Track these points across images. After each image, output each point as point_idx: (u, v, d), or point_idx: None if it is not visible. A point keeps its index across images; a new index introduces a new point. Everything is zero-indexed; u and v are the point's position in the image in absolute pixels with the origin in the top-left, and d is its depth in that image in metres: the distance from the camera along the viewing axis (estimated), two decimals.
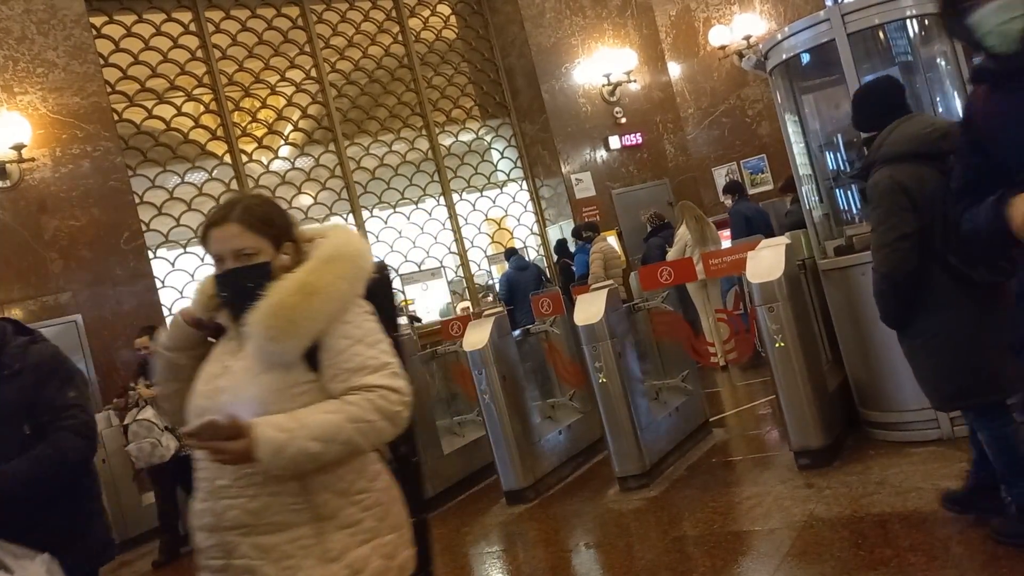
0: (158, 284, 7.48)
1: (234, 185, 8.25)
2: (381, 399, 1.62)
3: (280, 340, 1.63)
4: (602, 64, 10.02)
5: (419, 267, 9.20)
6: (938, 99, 4.55)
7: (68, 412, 2.35)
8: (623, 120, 10.13)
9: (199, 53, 8.29)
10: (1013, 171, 1.67)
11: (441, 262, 9.37)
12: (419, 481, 1.92)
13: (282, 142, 8.82)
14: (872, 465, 3.97)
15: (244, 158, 8.36)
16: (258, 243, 1.71)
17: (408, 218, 9.30)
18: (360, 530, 1.67)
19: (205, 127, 8.27)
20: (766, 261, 4.25)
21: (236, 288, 1.70)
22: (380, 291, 1.83)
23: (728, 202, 7.96)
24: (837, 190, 4.84)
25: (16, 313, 6.59)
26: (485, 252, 9.89)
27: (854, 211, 4.74)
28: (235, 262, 1.70)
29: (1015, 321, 2.40)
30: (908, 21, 4.44)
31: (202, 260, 7.89)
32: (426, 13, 9.78)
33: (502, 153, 10.18)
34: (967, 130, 1.87)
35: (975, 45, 1.70)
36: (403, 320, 7.34)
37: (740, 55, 9.63)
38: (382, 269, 1.89)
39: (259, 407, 1.60)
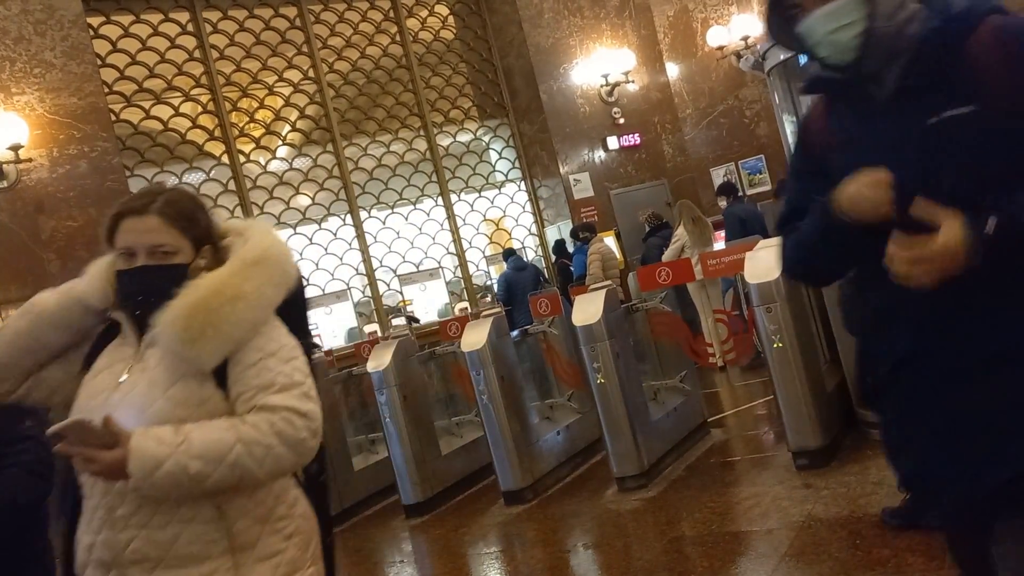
0: None
1: (232, 186, 8.24)
2: (284, 422, 1.42)
3: (199, 343, 1.43)
4: (600, 64, 10.02)
5: (417, 268, 9.20)
6: None
7: (21, 446, 2.07)
8: (621, 121, 10.13)
9: (196, 53, 8.28)
10: None
11: (439, 262, 9.37)
12: (327, 501, 1.78)
13: (280, 142, 8.81)
14: (870, 465, 3.97)
15: (242, 158, 8.36)
16: (178, 242, 1.52)
17: (406, 218, 9.29)
18: (283, 561, 1.51)
19: (203, 127, 8.26)
20: (764, 261, 4.25)
21: (146, 289, 1.49)
22: (293, 296, 1.63)
23: (722, 203, 7.96)
24: None
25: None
26: (483, 252, 9.89)
27: None
28: (148, 259, 1.50)
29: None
30: None
31: None
32: (424, 13, 9.78)
33: (500, 153, 10.18)
34: (800, 149, 1.64)
35: (808, 56, 1.50)
36: (401, 320, 7.35)
37: (738, 56, 9.64)
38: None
39: (166, 424, 1.41)
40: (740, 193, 8.79)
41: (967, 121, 1.36)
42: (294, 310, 1.63)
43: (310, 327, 1.84)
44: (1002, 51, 1.36)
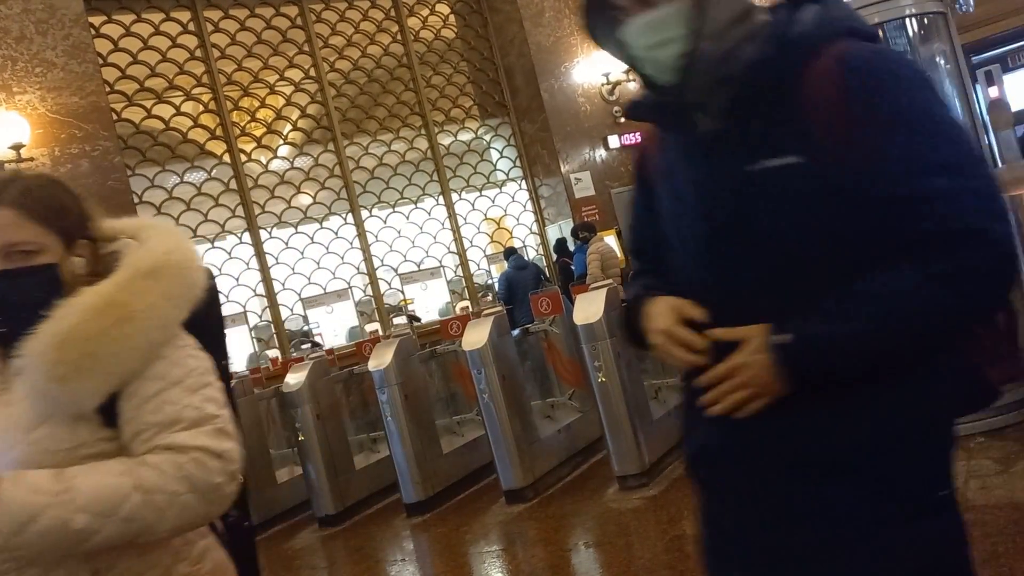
0: None
1: (233, 185, 8.25)
2: (194, 465, 1.15)
3: (73, 381, 1.15)
4: (601, 63, 10.01)
5: (418, 266, 9.21)
6: None
7: None
8: (622, 119, 10.13)
9: (198, 52, 8.28)
10: (671, 243, 1.27)
11: (440, 261, 9.38)
12: (253, 554, 1.56)
13: (281, 141, 8.82)
14: None
15: (243, 157, 8.36)
16: (41, 237, 1.24)
17: (407, 217, 9.30)
18: None
19: (204, 126, 8.27)
20: None
21: (6, 300, 1.21)
22: (205, 306, 1.35)
23: None
24: None
25: None
26: (484, 251, 9.89)
27: None
28: (5, 262, 1.21)
29: None
30: (907, 20, 4.44)
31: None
32: (425, 12, 9.78)
33: (501, 152, 10.18)
34: (635, 178, 1.41)
35: (633, 67, 1.25)
36: (402, 319, 7.36)
37: None
38: (209, 276, 1.41)
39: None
40: None
41: (790, 174, 1.10)
42: (206, 326, 1.36)
43: (226, 345, 1.55)
44: (838, 89, 1.08)
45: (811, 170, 1.09)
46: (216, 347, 1.41)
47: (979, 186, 1.04)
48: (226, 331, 1.60)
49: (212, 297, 1.42)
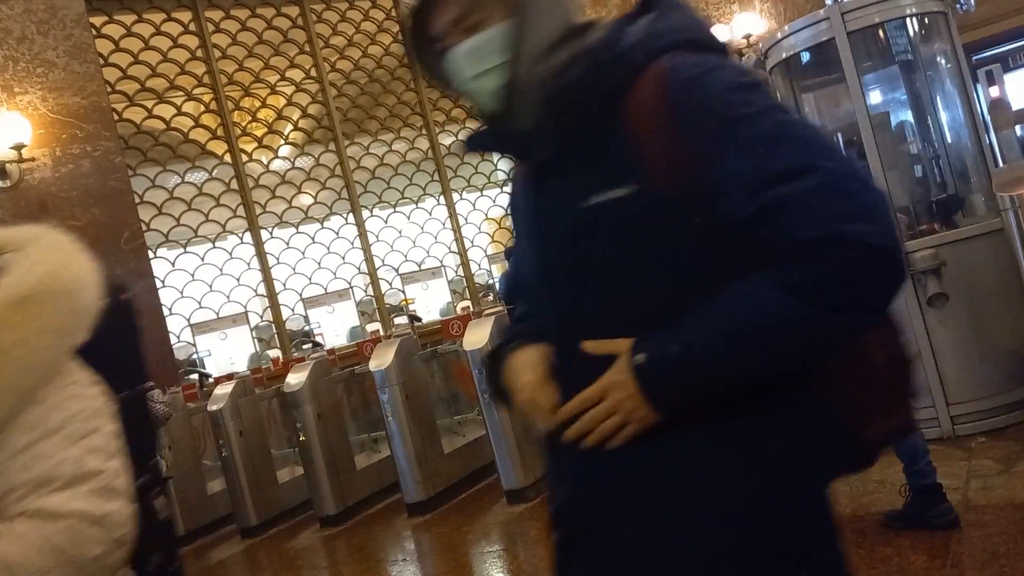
0: (158, 284, 7.49)
1: (234, 185, 8.26)
2: (66, 535, 0.95)
3: None
4: None
5: (419, 266, 9.21)
6: (938, 98, 4.55)
7: None
8: None
9: (199, 53, 8.29)
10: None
11: (441, 261, 9.38)
12: None
13: (282, 141, 8.82)
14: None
15: (244, 158, 8.36)
16: None
17: (408, 217, 9.30)
18: None
19: (205, 127, 8.27)
20: None
21: None
22: (116, 327, 1.16)
23: None
24: None
25: None
26: (485, 251, 9.89)
27: None
28: None
29: None
30: (908, 19, 4.45)
31: (202, 259, 7.89)
32: None
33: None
34: (510, 217, 1.29)
35: (467, 99, 1.17)
36: (403, 319, 7.37)
37: (740, 54, 9.62)
38: (120, 291, 1.21)
39: None
40: None
41: (624, 207, 1.00)
42: (113, 351, 1.15)
43: (143, 368, 1.37)
44: (662, 109, 0.98)
45: (647, 200, 0.99)
46: (128, 373, 1.24)
47: (830, 185, 0.93)
48: (143, 353, 1.36)
49: (122, 316, 1.22)
